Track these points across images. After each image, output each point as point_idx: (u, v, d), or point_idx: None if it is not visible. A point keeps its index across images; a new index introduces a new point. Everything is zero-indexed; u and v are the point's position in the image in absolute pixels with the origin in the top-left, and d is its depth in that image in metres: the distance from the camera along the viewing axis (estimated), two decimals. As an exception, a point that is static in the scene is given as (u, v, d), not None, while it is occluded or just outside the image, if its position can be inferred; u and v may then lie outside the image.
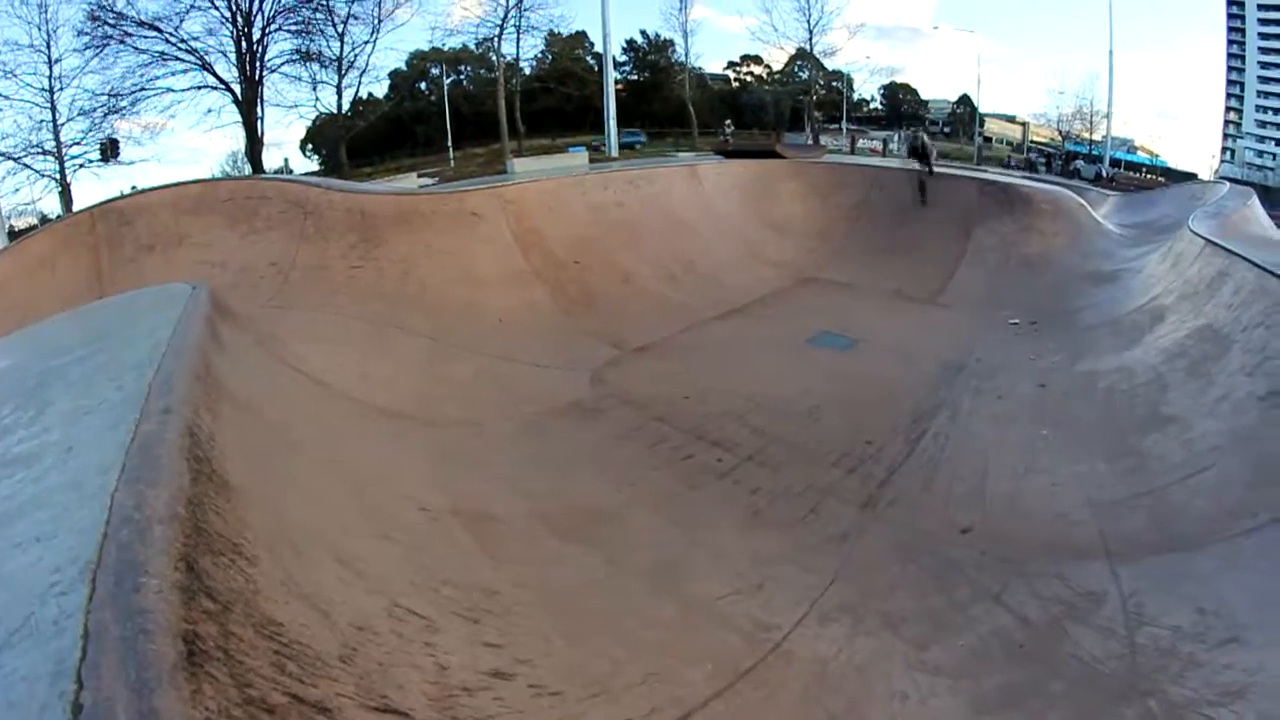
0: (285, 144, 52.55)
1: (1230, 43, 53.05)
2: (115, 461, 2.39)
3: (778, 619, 4.04)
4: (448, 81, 54.95)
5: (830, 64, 59.45)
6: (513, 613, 3.44)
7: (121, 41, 40.49)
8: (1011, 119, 59.86)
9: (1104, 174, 47.51)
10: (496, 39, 52.13)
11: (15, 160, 38.52)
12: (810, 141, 51.83)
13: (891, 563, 4.75)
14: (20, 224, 36.36)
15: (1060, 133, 55.80)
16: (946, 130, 61.66)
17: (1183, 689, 3.27)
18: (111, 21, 39.85)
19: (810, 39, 56.80)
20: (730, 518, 5.30)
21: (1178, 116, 62.44)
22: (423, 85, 56.66)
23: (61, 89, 39.96)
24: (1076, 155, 52.39)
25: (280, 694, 2.00)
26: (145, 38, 40.90)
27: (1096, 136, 52.41)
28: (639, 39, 61.47)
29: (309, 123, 50.35)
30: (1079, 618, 4.00)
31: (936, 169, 16.57)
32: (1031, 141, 57.60)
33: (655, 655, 3.53)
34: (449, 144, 53.26)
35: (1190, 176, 45.53)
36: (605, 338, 9.25)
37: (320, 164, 51.37)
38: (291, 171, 48.83)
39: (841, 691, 3.53)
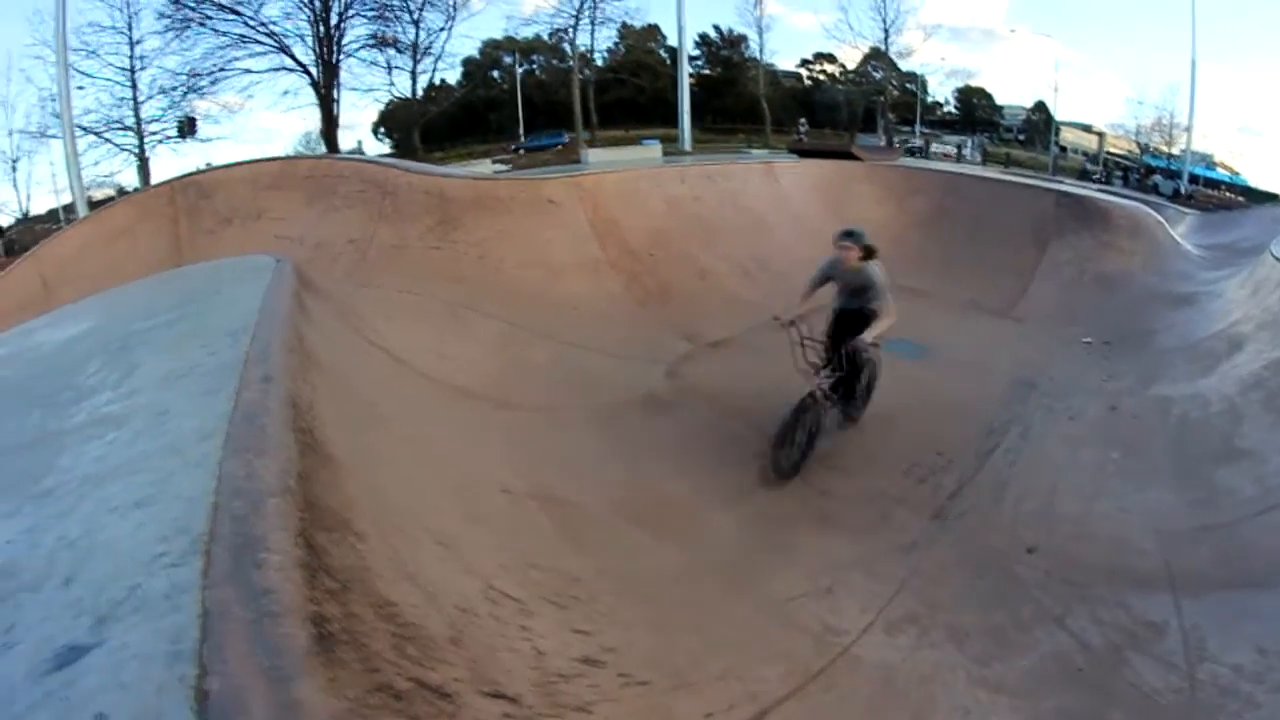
0: (358, 126, 52.89)
1: (1318, 58, 50.79)
2: (216, 428, 2.38)
3: (846, 624, 4.12)
4: (520, 70, 55.24)
5: (904, 65, 58.45)
6: (598, 600, 3.52)
7: (202, 24, 41.09)
8: (1088, 128, 57.90)
9: (1182, 190, 46.04)
10: (571, 29, 52.34)
11: (97, 135, 39.65)
12: (884, 144, 51.12)
13: (957, 575, 4.79)
14: (98, 195, 37.44)
15: (1139, 145, 54.12)
16: (1021, 138, 60.22)
17: (1240, 730, 3.27)
18: (192, 5, 40.51)
19: (885, 38, 55.94)
20: (802, 519, 5.38)
21: (1261, 133, 59.28)
22: (496, 73, 56.71)
23: (142, 68, 40.77)
24: (1154, 169, 50.69)
25: (404, 679, 1.93)
26: (225, 20, 41.58)
27: (1175, 150, 50.75)
28: (712, 34, 60.86)
29: (382, 106, 51.17)
30: (1140, 647, 4.00)
31: (1009, 177, 15.19)
32: (1107, 153, 55.78)
33: (731, 651, 3.61)
34: (520, 132, 53.60)
35: (1272, 197, 43.41)
36: (679, 331, 9.27)
37: (393, 147, 51.92)
38: (364, 154, 49.55)
39: (907, 701, 3.60)
